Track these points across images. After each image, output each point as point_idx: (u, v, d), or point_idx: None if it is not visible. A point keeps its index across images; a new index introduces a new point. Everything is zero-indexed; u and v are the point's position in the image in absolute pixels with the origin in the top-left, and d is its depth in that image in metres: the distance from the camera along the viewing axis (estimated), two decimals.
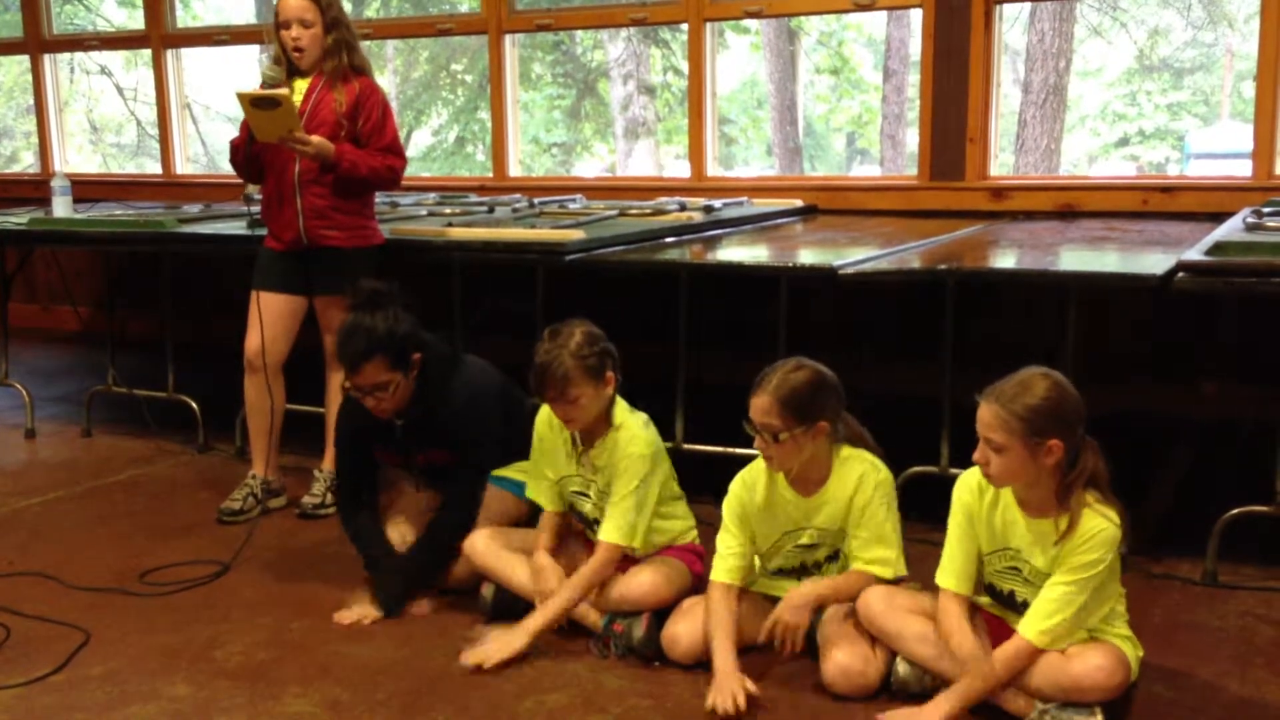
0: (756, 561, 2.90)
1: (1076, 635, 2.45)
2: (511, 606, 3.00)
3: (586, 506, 3.06)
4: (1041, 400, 2.38)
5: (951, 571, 2.57)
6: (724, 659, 2.61)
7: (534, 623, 2.85)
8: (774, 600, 2.78)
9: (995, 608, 2.62)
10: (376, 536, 3.24)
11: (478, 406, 3.24)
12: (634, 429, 2.98)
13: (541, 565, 2.98)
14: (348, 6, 3.86)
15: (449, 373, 3.25)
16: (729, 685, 2.54)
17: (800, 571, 2.84)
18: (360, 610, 3.08)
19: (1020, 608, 2.52)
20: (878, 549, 2.72)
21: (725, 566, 2.77)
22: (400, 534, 3.26)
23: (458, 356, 3.33)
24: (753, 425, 2.69)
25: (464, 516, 3.18)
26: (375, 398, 3.12)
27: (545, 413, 3.08)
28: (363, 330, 3.08)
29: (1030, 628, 2.43)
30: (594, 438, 3.00)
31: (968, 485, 2.59)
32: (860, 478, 2.74)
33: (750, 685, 2.56)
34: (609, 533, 2.92)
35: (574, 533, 3.15)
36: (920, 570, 2.84)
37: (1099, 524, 2.41)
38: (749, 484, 2.82)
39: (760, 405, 2.67)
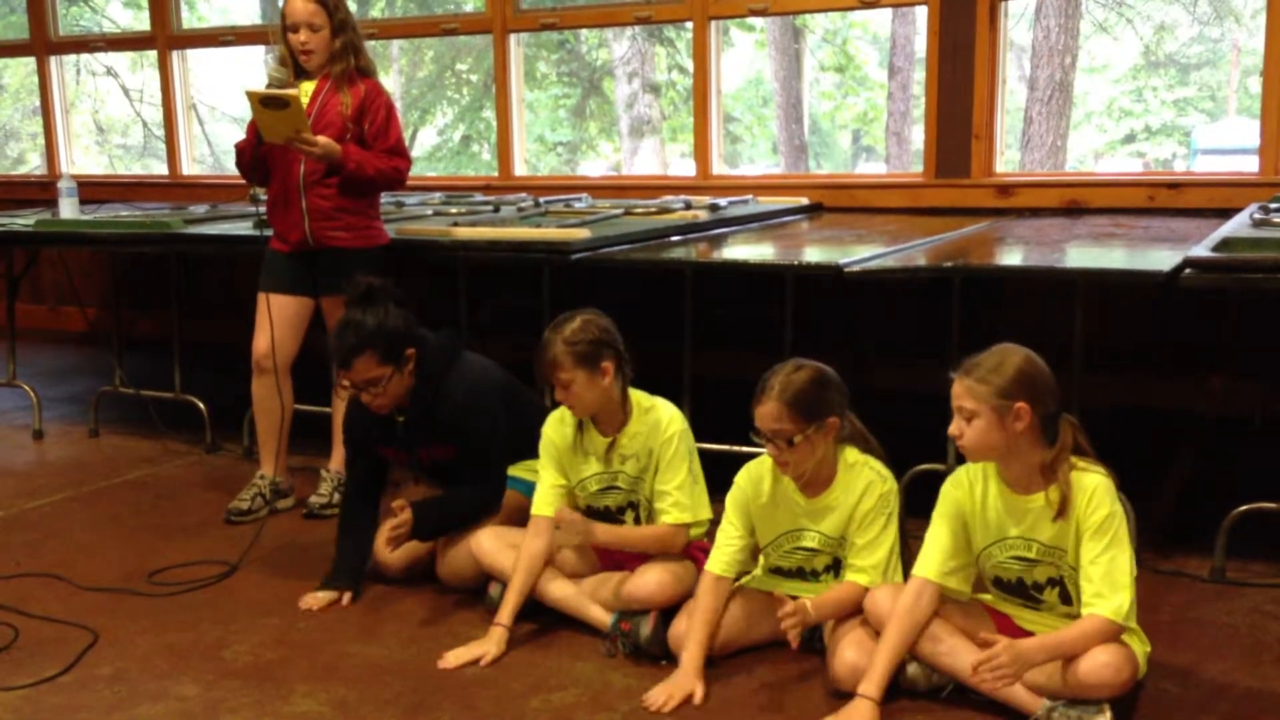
0: (760, 559, 2.90)
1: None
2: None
3: (615, 498, 3.04)
4: (1010, 369, 2.44)
5: (928, 563, 2.56)
6: (691, 655, 2.64)
7: (601, 532, 2.93)
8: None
9: (1002, 601, 2.62)
10: (359, 551, 3.26)
11: (476, 401, 3.24)
12: (668, 409, 3.00)
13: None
14: (353, 6, 3.87)
15: (447, 368, 3.25)
16: (677, 683, 2.59)
17: (798, 575, 2.83)
18: (326, 596, 3.17)
19: (1031, 590, 2.52)
20: (867, 556, 2.72)
21: (720, 558, 2.78)
22: None
23: (457, 352, 3.33)
24: (761, 434, 2.67)
25: (484, 497, 3.20)
26: (369, 393, 3.14)
27: (553, 419, 3.08)
28: (353, 326, 3.10)
29: (1107, 607, 2.36)
30: (614, 429, 2.99)
31: (958, 481, 2.61)
32: (867, 486, 2.74)
33: (699, 693, 2.58)
34: (674, 514, 2.92)
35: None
36: None
37: (1092, 479, 2.44)
38: (754, 478, 2.82)
39: (768, 412, 2.65)
